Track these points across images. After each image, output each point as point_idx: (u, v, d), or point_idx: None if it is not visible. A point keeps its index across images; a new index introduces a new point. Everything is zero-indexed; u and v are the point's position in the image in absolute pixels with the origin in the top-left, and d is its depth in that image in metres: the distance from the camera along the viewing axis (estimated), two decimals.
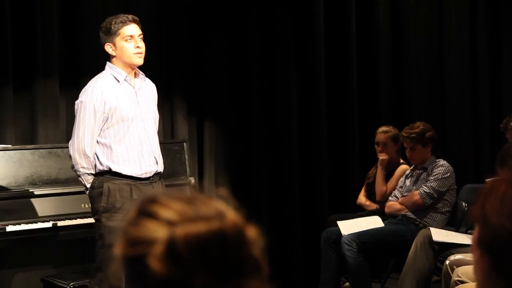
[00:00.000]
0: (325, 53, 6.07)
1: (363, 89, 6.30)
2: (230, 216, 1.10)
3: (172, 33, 5.43)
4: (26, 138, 4.93)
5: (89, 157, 3.79)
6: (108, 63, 3.92)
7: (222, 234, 1.06)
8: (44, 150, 4.63)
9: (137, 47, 3.84)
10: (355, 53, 6.24)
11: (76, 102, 3.87)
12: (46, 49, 4.91)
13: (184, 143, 5.17)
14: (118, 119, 3.81)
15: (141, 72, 3.98)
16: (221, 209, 1.10)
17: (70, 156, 3.85)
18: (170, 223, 1.06)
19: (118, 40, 3.83)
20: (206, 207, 1.09)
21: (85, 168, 3.80)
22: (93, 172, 3.82)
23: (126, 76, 3.88)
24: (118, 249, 1.09)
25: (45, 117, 4.93)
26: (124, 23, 3.83)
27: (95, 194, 3.81)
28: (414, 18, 6.65)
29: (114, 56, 3.87)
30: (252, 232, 1.10)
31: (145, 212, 1.10)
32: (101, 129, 3.81)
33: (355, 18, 6.25)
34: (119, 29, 3.82)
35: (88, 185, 3.83)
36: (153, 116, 4.00)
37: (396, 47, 6.58)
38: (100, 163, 3.81)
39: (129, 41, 3.83)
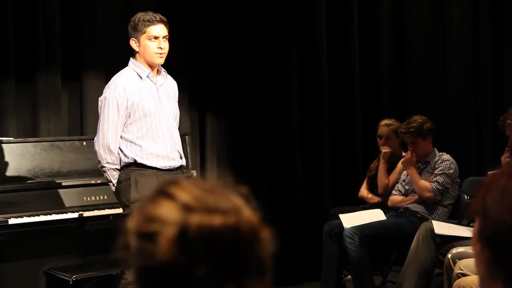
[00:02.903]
0: (327, 45, 6.05)
1: (365, 82, 6.29)
2: (247, 214, 1.09)
3: (173, 27, 5.40)
4: (28, 131, 4.94)
5: (113, 152, 3.86)
6: (131, 59, 3.98)
7: (236, 230, 1.06)
8: (46, 143, 4.63)
9: (159, 47, 3.89)
10: (358, 45, 6.23)
11: (99, 98, 3.93)
12: (48, 41, 4.91)
13: (186, 136, 5.16)
14: (141, 115, 3.87)
15: (163, 69, 4.03)
16: (239, 205, 1.09)
17: (96, 152, 3.91)
18: (187, 208, 1.05)
19: (142, 38, 3.89)
20: (225, 200, 1.08)
21: (110, 164, 3.86)
22: (118, 167, 3.88)
23: (148, 73, 3.94)
24: (132, 223, 1.09)
25: (47, 110, 4.93)
26: (151, 22, 3.88)
27: (122, 187, 3.86)
28: (416, 11, 6.64)
29: (138, 52, 3.93)
30: (266, 235, 1.09)
31: (165, 192, 1.09)
32: (125, 125, 3.88)
33: (357, 12, 6.24)
34: (145, 28, 3.88)
35: (114, 181, 3.88)
36: (174, 112, 4.07)
37: (399, 40, 6.57)
38: (125, 156, 3.87)
39: (153, 40, 3.88)
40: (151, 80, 3.96)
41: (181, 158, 4.03)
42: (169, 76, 4.10)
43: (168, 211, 1.06)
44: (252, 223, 1.08)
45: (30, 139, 4.64)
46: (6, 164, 4.45)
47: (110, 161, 3.86)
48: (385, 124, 5.53)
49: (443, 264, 4.36)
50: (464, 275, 3.77)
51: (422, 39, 6.67)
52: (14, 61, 4.81)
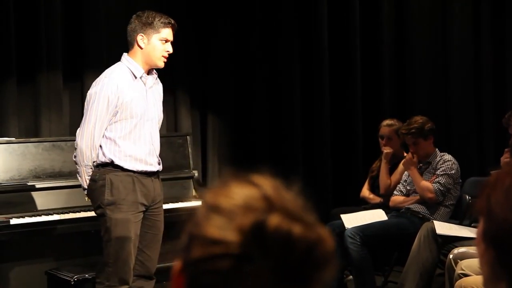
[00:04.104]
0: (328, 45, 6.06)
1: (367, 82, 6.29)
2: (327, 236, 1.05)
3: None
4: (29, 131, 4.94)
5: (95, 149, 3.75)
6: (125, 55, 3.86)
7: (314, 247, 1.02)
8: (47, 143, 4.63)
9: (167, 51, 3.84)
10: (359, 45, 6.23)
11: (89, 92, 3.80)
12: (50, 42, 4.91)
13: (188, 136, 5.16)
14: (127, 115, 3.77)
15: (155, 71, 3.95)
16: (320, 225, 1.05)
17: (76, 145, 3.79)
18: (269, 202, 1.02)
19: (154, 37, 3.81)
20: (306, 214, 1.05)
21: (88, 159, 3.75)
22: (95, 165, 3.78)
23: (142, 74, 3.84)
24: (208, 193, 1.07)
25: (49, 110, 4.93)
26: (167, 25, 3.83)
27: (97, 186, 3.76)
28: (418, 10, 6.64)
29: (141, 48, 3.82)
30: (334, 263, 1.05)
31: (250, 179, 1.06)
32: (109, 122, 3.77)
33: (359, 11, 6.24)
34: (160, 28, 3.81)
35: (87, 177, 3.77)
36: (158, 116, 3.97)
37: (400, 40, 6.57)
38: (103, 155, 3.76)
39: (163, 43, 3.83)
40: (142, 81, 3.86)
41: (159, 164, 3.93)
42: (158, 79, 4.01)
43: (249, 197, 1.03)
44: (330, 248, 1.04)
45: (32, 139, 4.63)
46: (8, 164, 4.45)
47: (89, 157, 3.75)
48: (387, 125, 5.53)
49: (444, 264, 4.36)
50: (466, 275, 3.76)
51: (424, 39, 6.67)
52: (16, 62, 4.81)
